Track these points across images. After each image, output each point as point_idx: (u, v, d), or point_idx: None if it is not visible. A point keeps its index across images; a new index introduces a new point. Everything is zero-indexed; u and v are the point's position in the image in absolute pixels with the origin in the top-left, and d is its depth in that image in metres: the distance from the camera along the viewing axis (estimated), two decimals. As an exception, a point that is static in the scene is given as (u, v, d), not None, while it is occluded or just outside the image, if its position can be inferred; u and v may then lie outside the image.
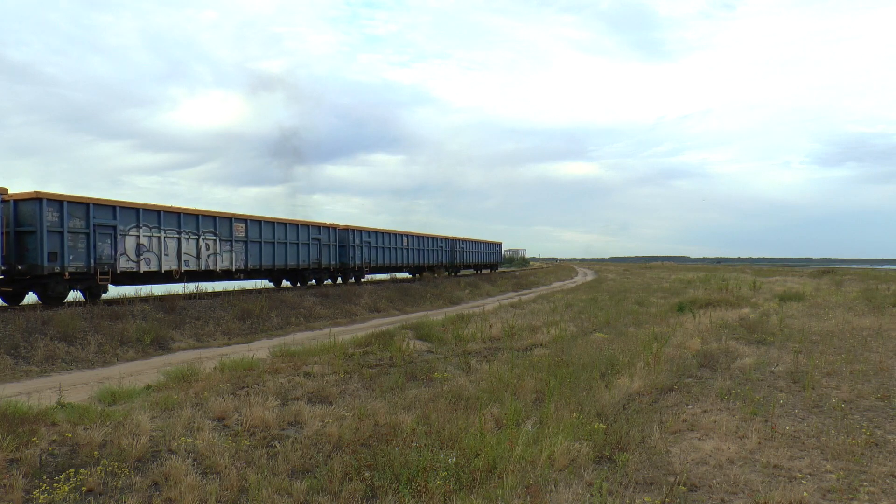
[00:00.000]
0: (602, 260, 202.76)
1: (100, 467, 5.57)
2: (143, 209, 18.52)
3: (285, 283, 27.94)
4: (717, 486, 5.19)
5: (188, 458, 5.98)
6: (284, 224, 25.49)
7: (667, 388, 8.56)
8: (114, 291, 19.45)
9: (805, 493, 4.93)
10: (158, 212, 19.11)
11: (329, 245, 28.83)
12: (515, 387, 8.49)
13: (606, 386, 8.45)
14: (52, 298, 16.43)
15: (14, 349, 12.84)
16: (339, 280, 30.95)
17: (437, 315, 21.22)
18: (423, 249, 39.53)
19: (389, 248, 34.79)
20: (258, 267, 23.77)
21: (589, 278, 60.16)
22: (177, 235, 19.71)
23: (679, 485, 5.13)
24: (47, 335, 13.69)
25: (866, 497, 4.96)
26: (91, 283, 17.21)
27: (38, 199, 15.46)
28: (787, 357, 10.62)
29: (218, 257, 21.57)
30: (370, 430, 6.77)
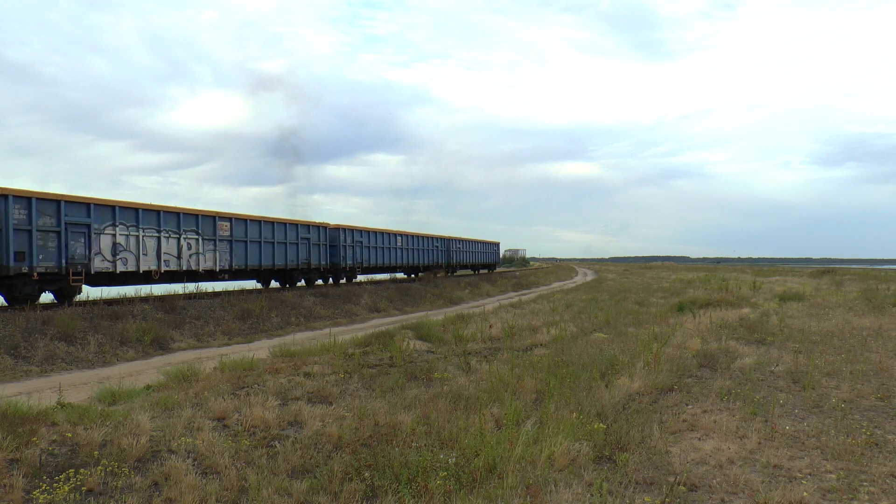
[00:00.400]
0: (602, 260, 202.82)
1: (100, 467, 5.57)
2: (120, 207, 17.75)
3: (274, 284, 27.22)
4: (717, 486, 5.19)
5: (188, 458, 5.98)
6: (272, 223, 24.75)
7: (667, 388, 8.56)
8: (113, 291, 19.44)
9: (805, 493, 4.93)
10: (136, 210, 18.35)
11: (319, 245, 28.03)
12: (515, 387, 8.49)
13: (606, 386, 8.45)
14: (19, 300, 15.60)
15: (14, 349, 12.84)
16: (331, 281, 30.25)
17: (437, 315, 21.22)
18: (419, 249, 38.80)
19: (383, 248, 34.05)
20: (244, 267, 23.01)
21: (589, 278, 60.17)
22: (156, 234, 18.97)
23: (679, 485, 5.13)
24: (47, 335, 13.69)
25: (866, 497, 4.96)
26: (63, 285, 16.48)
27: (3, 196, 14.71)
28: (787, 357, 10.62)
29: (201, 257, 20.85)
30: (370, 430, 6.77)
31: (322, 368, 10.35)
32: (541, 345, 13.16)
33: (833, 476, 5.38)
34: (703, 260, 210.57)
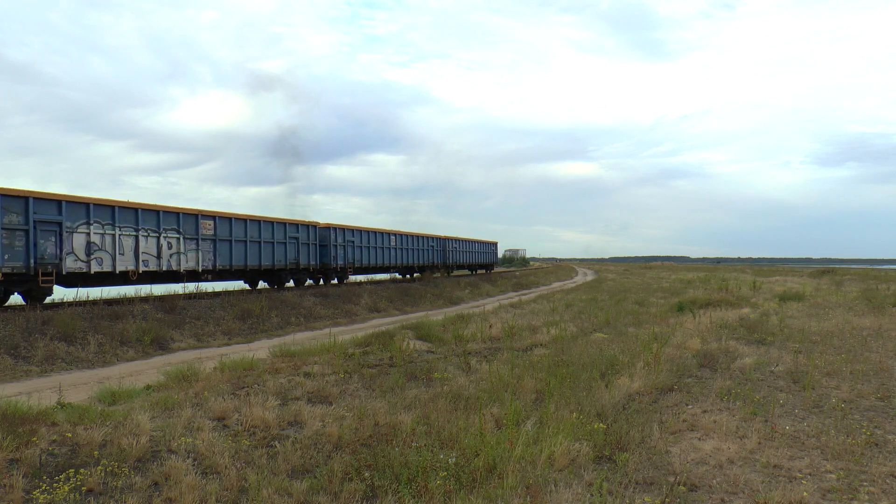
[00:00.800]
0: (602, 260, 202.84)
1: (100, 467, 5.57)
2: (94, 204, 16.98)
3: (262, 286, 26.36)
4: (717, 486, 5.19)
5: (188, 458, 5.98)
6: (258, 221, 23.93)
7: (667, 388, 8.57)
8: (113, 291, 19.41)
9: (805, 493, 4.93)
10: (112, 207, 17.53)
11: (309, 244, 27.13)
12: (515, 387, 8.49)
13: (606, 386, 8.45)
14: None
15: (14, 349, 12.84)
16: (322, 282, 29.49)
17: (437, 315, 21.22)
18: (414, 249, 37.91)
19: (376, 248, 33.22)
20: (228, 267, 22.13)
21: (589, 278, 60.18)
22: (134, 233, 18.16)
23: (679, 485, 5.13)
24: (47, 335, 13.69)
25: (866, 497, 4.96)
26: (31, 286, 15.71)
27: None
28: (787, 357, 10.62)
29: (182, 257, 20.01)
30: (370, 430, 6.77)
31: (322, 368, 10.35)
32: (541, 345, 13.16)
33: (833, 476, 5.38)
34: (703, 260, 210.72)
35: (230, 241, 22.22)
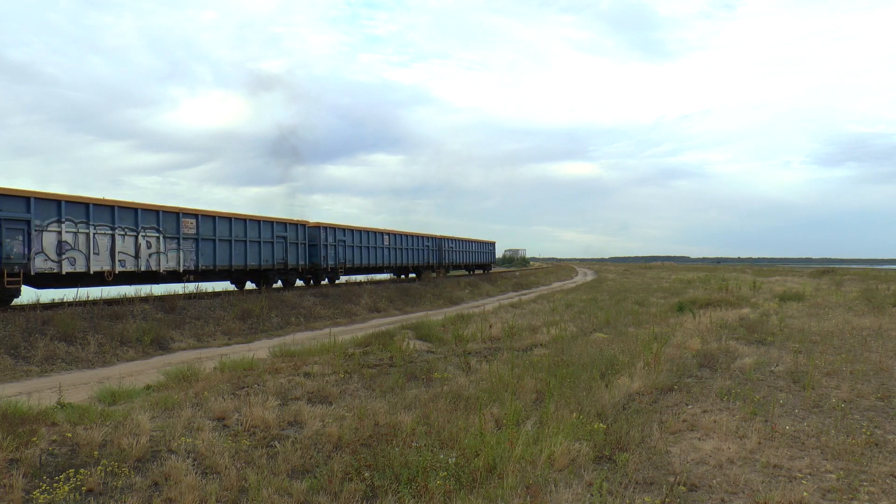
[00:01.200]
0: (602, 260, 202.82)
1: (100, 467, 5.57)
2: (67, 201, 16.15)
3: (250, 286, 25.41)
4: (717, 486, 5.19)
5: (188, 458, 5.98)
6: (244, 220, 23.11)
7: (667, 388, 8.57)
8: (114, 291, 19.39)
9: (805, 493, 4.93)
10: (86, 204, 16.69)
11: (297, 244, 26.27)
12: (515, 387, 8.49)
13: (606, 386, 8.45)
14: None
15: (14, 349, 12.85)
16: (312, 282, 28.78)
17: (437, 315, 21.22)
18: (408, 249, 36.98)
19: (368, 248, 32.29)
20: (212, 267, 21.30)
21: (589, 278, 60.19)
22: (110, 232, 17.33)
23: (679, 485, 5.13)
24: (47, 335, 13.69)
25: (866, 497, 4.96)
26: None
27: None
28: (787, 357, 10.62)
29: (162, 256, 19.16)
30: (370, 430, 6.77)
31: (322, 368, 10.35)
32: (541, 345, 13.16)
33: (833, 476, 5.38)
34: (703, 260, 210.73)
35: (214, 240, 21.44)
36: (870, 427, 6.68)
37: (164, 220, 19.39)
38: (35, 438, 6.02)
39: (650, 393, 8.32)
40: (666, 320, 16.54)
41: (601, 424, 6.55)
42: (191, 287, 21.68)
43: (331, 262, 28.85)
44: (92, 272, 16.89)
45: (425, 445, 6.06)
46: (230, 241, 22.24)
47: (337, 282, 29.98)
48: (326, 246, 28.56)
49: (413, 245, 37.88)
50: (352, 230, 30.96)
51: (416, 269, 39.02)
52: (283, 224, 25.51)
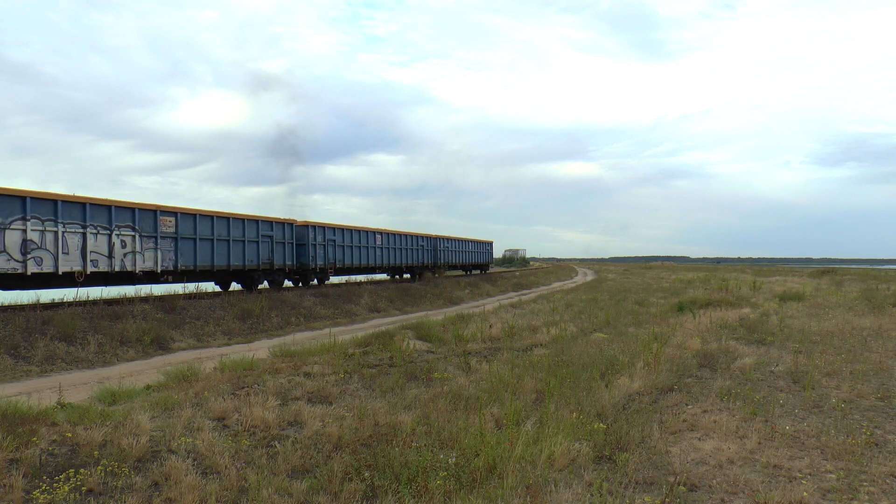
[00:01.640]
0: (602, 260, 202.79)
1: (100, 467, 5.57)
2: (32, 197, 15.26)
3: (235, 287, 24.59)
4: (717, 486, 5.19)
5: (188, 458, 5.98)
6: (227, 218, 22.15)
7: (667, 388, 8.57)
8: (113, 291, 19.37)
9: (805, 493, 4.93)
10: (55, 201, 15.78)
11: (284, 243, 25.34)
12: (515, 387, 8.49)
13: (606, 386, 8.45)
14: None
15: (14, 349, 12.85)
16: (300, 283, 27.94)
17: (437, 315, 21.22)
18: (402, 249, 36.01)
19: (360, 247, 31.26)
20: (192, 268, 20.38)
21: (589, 278, 60.18)
22: (81, 230, 16.44)
23: (679, 485, 5.13)
24: (47, 335, 13.69)
25: (866, 497, 4.96)
26: None
27: None
28: (787, 357, 10.62)
29: (138, 256, 18.26)
30: (370, 430, 6.77)
31: (322, 368, 10.35)
32: (541, 345, 13.17)
33: (833, 476, 5.38)
34: (703, 260, 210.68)
35: (194, 239, 20.49)
36: (870, 427, 6.68)
37: (141, 217, 18.50)
38: (35, 438, 6.02)
39: (650, 393, 8.32)
40: (666, 320, 16.54)
41: (601, 424, 6.55)
42: (191, 287, 21.62)
43: (320, 263, 27.97)
44: (61, 273, 16.02)
45: (425, 445, 6.06)
46: (212, 240, 21.36)
47: (327, 282, 29.14)
48: (315, 245, 27.63)
49: (407, 245, 37.01)
50: (342, 229, 30.03)
51: (410, 270, 38.16)
52: (269, 223, 24.65)
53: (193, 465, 5.84)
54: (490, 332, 14.92)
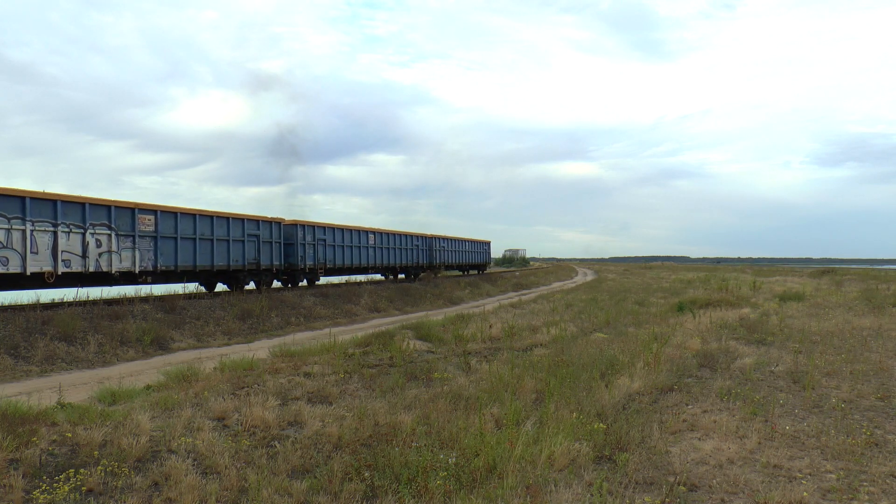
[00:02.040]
0: (602, 260, 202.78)
1: (100, 467, 5.57)
2: None
3: (221, 287, 23.81)
4: (717, 486, 5.19)
5: (188, 458, 5.98)
6: (210, 217, 21.31)
7: (667, 388, 8.57)
8: (113, 291, 19.36)
9: (805, 493, 4.93)
10: (22, 198, 14.94)
11: (271, 243, 24.53)
12: (515, 387, 8.49)
13: (606, 386, 8.45)
14: None
15: (14, 349, 12.85)
16: (289, 284, 27.23)
17: (437, 315, 21.23)
18: (396, 248, 35.13)
19: (351, 247, 30.41)
20: (173, 268, 19.58)
21: (589, 278, 60.18)
22: (52, 228, 15.62)
23: (679, 485, 5.13)
24: (47, 335, 13.69)
25: (866, 497, 4.96)
26: None
27: None
28: (787, 357, 10.62)
29: (115, 256, 17.44)
30: (370, 430, 6.77)
31: (322, 368, 10.35)
32: (541, 345, 13.17)
33: (833, 476, 5.38)
34: (703, 260, 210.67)
35: (175, 238, 19.65)
36: (870, 427, 6.68)
37: (117, 215, 17.65)
38: (35, 438, 6.02)
39: (650, 393, 8.32)
40: (666, 320, 16.54)
41: (601, 424, 6.55)
42: (191, 287, 21.49)
43: (309, 263, 27.11)
44: (29, 273, 15.20)
45: (425, 445, 6.06)
46: (194, 239, 20.49)
47: (317, 283, 28.44)
48: (304, 245, 26.80)
49: (402, 244, 36.13)
50: (333, 228, 29.22)
51: (405, 270, 37.43)
52: (256, 221, 23.83)
53: (193, 465, 5.84)
54: (490, 332, 14.92)
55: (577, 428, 6.38)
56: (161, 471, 5.63)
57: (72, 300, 17.69)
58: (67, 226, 16.18)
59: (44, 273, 15.63)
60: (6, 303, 16.43)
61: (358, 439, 6.55)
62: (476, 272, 51.41)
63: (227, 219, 22.23)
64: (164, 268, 19.30)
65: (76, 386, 10.72)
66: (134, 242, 18.20)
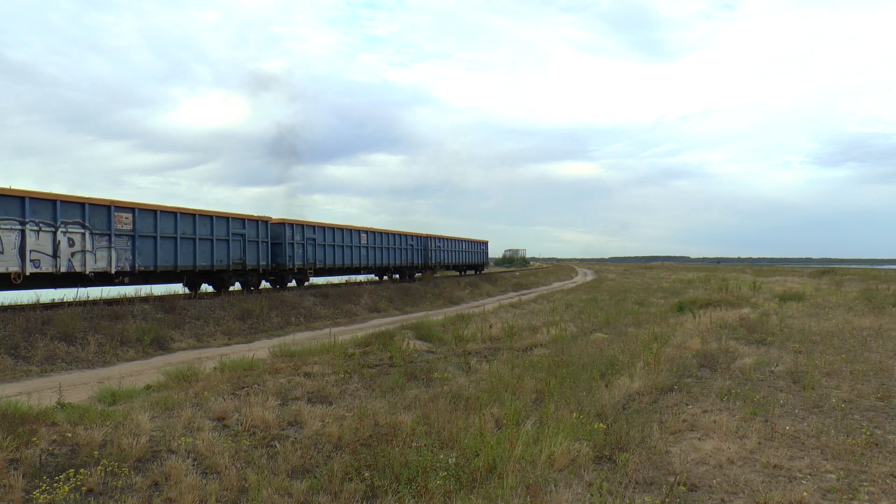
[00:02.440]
0: (602, 260, 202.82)
1: (100, 467, 5.57)
2: None
3: (206, 288, 23.09)
4: (717, 486, 5.19)
5: (188, 458, 5.98)
6: (192, 215, 20.54)
7: (667, 388, 8.57)
8: (113, 291, 19.34)
9: (805, 493, 4.93)
10: None
11: (258, 242, 23.78)
12: (515, 387, 8.49)
13: (606, 386, 8.45)
14: None
15: (14, 349, 12.85)
16: (278, 286, 26.44)
17: (437, 315, 21.22)
18: (389, 248, 34.38)
19: (343, 247, 29.63)
20: (152, 268, 18.85)
21: (589, 278, 60.17)
22: (19, 227, 14.94)
23: (679, 485, 5.13)
24: (47, 335, 13.69)
25: (866, 497, 4.96)
26: None
27: None
28: (787, 357, 10.62)
29: (89, 256, 16.68)
30: (370, 430, 6.77)
31: (322, 368, 10.35)
32: (541, 345, 13.16)
33: (833, 476, 5.38)
34: (703, 260, 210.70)
35: (155, 237, 18.93)
36: (870, 427, 6.68)
37: (92, 213, 16.86)
38: (35, 438, 6.02)
39: (650, 393, 8.32)
40: (666, 320, 16.54)
41: (601, 424, 6.55)
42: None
43: (298, 263, 26.31)
44: None
45: (425, 445, 6.06)
46: (175, 238, 19.73)
47: (307, 283, 27.78)
48: (293, 245, 26.02)
49: (395, 244, 35.28)
50: (323, 227, 28.36)
51: (399, 270, 36.65)
52: (241, 220, 23.02)
53: (193, 465, 5.84)
54: (490, 332, 14.92)
55: (577, 428, 6.38)
56: (161, 471, 5.63)
57: (72, 300, 17.68)
58: (37, 224, 15.45)
59: (10, 274, 14.98)
60: (6, 303, 16.43)
61: (358, 439, 6.55)
62: (473, 272, 50.88)
63: (210, 217, 21.48)
64: (142, 268, 18.60)
65: (76, 386, 10.72)
66: (110, 241, 17.50)
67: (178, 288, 21.18)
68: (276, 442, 6.55)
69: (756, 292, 25.88)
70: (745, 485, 5.21)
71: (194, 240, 20.57)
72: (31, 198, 15.33)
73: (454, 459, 5.65)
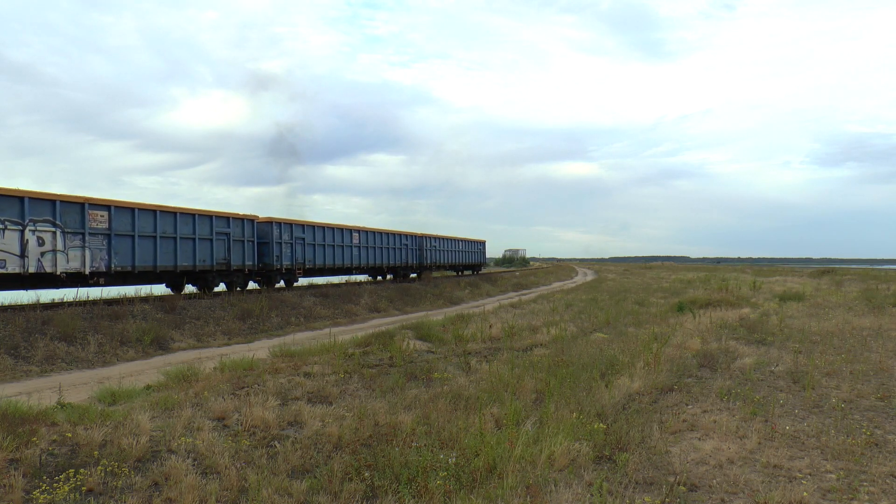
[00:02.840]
0: (602, 260, 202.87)
1: (100, 467, 5.57)
2: None
3: (190, 289, 22.25)
4: (717, 486, 5.19)
5: (188, 458, 5.98)
6: (173, 213, 19.71)
7: (667, 388, 8.57)
8: (113, 291, 19.32)
9: (805, 493, 4.93)
10: None
11: (243, 241, 22.99)
12: (515, 387, 8.49)
13: (606, 386, 8.45)
14: None
15: (14, 349, 12.85)
16: (265, 286, 25.50)
17: (437, 315, 21.22)
18: (383, 248, 33.76)
19: (334, 246, 28.94)
20: (130, 269, 18.03)
21: (589, 278, 60.17)
22: None
23: (679, 485, 5.13)
24: (47, 335, 13.69)
25: (866, 497, 4.96)
26: None
27: None
28: (787, 357, 10.62)
29: (60, 256, 15.89)
30: (370, 430, 6.77)
31: (322, 368, 10.35)
32: (541, 345, 13.16)
33: (833, 476, 5.38)
34: (703, 260, 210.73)
35: (132, 236, 18.11)
36: (870, 427, 6.68)
37: (63, 211, 16.03)
38: (35, 438, 6.02)
39: (650, 393, 8.32)
40: (666, 320, 16.54)
41: (601, 424, 6.55)
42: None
43: (286, 263, 25.57)
44: None
45: (425, 445, 6.06)
46: (155, 237, 18.95)
47: (295, 284, 27.16)
48: (280, 244, 25.24)
49: (389, 244, 34.53)
50: (312, 226, 27.55)
51: (392, 271, 35.99)
52: (226, 218, 22.22)
53: (193, 465, 5.84)
54: (490, 332, 14.92)
55: (577, 428, 6.38)
56: (161, 471, 5.63)
57: (72, 300, 17.68)
58: (2, 222, 14.65)
59: None
60: (6, 303, 16.43)
61: (358, 439, 6.55)
62: (471, 272, 50.36)
63: (192, 215, 20.64)
64: (118, 268, 17.74)
65: (76, 386, 10.72)
66: (84, 241, 16.65)
67: (162, 289, 20.67)
68: (276, 442, 6.55)
69: (756, 292, 25.88)
70: (745, 485, 5.21)
71: (175, 239, 19.82)
72: None
73: (454, 459, 5.65)
